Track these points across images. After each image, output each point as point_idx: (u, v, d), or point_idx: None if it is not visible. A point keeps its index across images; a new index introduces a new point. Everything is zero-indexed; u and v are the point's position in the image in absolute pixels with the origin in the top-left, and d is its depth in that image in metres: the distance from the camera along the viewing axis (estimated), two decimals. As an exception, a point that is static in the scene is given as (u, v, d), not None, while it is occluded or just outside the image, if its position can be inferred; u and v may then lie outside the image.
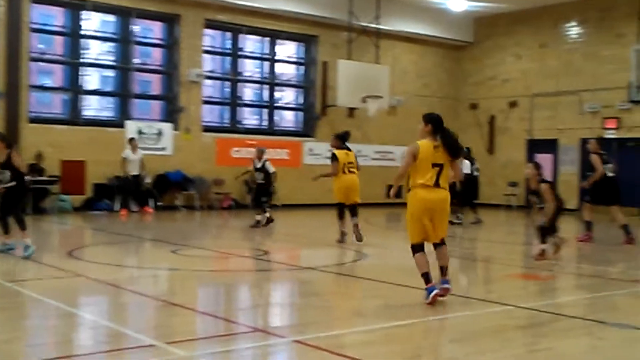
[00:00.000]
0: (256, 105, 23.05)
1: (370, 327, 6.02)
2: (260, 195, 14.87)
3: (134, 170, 17.34)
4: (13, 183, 9.60)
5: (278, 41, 22.07)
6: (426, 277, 6.86)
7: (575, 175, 21.47)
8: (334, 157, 12.46)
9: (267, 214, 14.72)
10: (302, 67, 22.66)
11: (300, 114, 22.80)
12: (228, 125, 21.38)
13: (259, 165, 14.83)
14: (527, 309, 6.84)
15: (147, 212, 17.64)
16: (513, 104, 23.57)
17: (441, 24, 23.84)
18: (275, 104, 22.42)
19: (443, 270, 7.06)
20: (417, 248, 7.02)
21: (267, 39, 21.97)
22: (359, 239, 12.02)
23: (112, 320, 6.25)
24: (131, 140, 17.69)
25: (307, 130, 22.32)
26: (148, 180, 18.38)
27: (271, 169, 14.80)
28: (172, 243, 11.77)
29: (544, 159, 22.51)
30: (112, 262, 9.54)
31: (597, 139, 13.68)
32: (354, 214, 12.39)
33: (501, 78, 24.11)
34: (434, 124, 7.07)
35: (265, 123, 22.29)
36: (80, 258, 9.63)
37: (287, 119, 23.50)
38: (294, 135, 22.09)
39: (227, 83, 21.82)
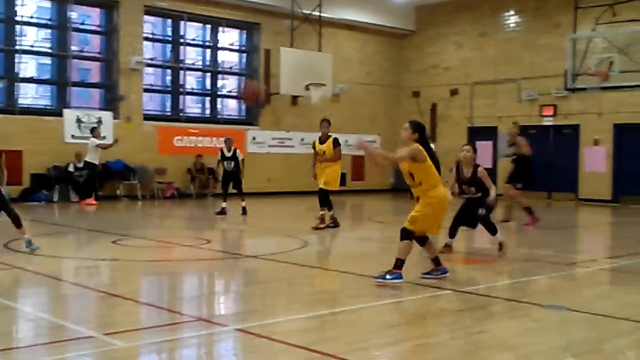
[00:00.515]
0: (199, 94, 22.84)
1: (313, 313, 6.07)
2: (229, 182, 15.34)
3: (96, 160, 17.35)
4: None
5: (220, 28, 21.88)
6: (402, 263, 7.17)
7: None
8: (337, 142, 12.60)
9: (243, 204, 15.30)
10: (245, 55, 22.53)
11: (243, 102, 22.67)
12: (170, 113, 21.13)
13: (229, 154, 15.25)
14: (466, 292, 6.99)
15: (90, 203, 17.30)
16: (454, 92, 23.92)
17: (384, 13, 24.00)
18: (218, 92, 22.25)
19: (438, 260, 7.56)
20: (412, 236, 7.27)
21: (209, 26, 21.75)
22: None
23: (50, 313, 6.14)
24: (94, 129, 17.62)
25: (250, 118, 22.23)
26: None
27: (241, 156, 15.41)
28: (113, 233, 11.61)
29: (485, 146, 22.98)
30: (51, 254, 9.35)
31: (517, 124, 14.40)
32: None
33: (442, 66, 24.43)
34: (421, 133, 7.29)
35: (208, 111, 22.11)
36: (17, 250, 9.41)
37: (230, 107, 23.35)
38: (237, 124, 21.98)
39: (169, 71, 21.56)
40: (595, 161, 20.70)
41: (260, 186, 21.49)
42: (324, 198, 12.55)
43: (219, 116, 21.93)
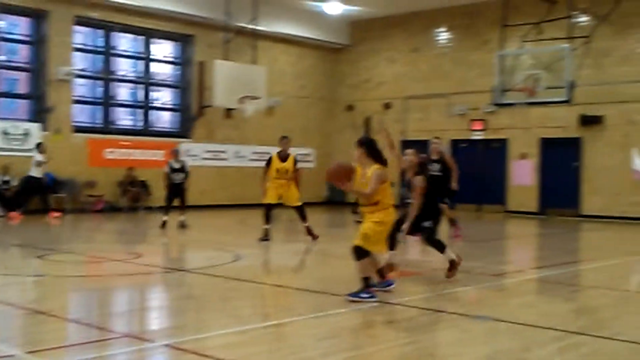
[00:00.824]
0: (130, 105, 22.48)
1: (242, 328, 6.03)
2: (175, 195, 15.19)
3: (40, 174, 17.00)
4: None
5: (153, 40, 21.63)
6: (369, 280, 7.16)
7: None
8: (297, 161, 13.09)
9: (183, 218, 14.97)
10: (179, 67, 22.33)
11: (177, 114, 22.45)
12: (101, 125, 20.73)
13: (177, 165, 15.14)
14: (396, 304, 7.08)
15: (15, 217, 16.77)
16: (387, 106, 24.25)
17: (318, 27, 24.18)
18: (151, 104, 21.96)
19: (384, 271, 7.71)
20: (368, 253, 7.19)
21: (142, 37, 21.48)
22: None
23: (-30, 331, 5.93)
24: (39, 145, 17.16)
25: (183, 131, 22.01)
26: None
27: (188, 167, 15.40)
28: (39, 248, 11.29)
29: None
30: (-27, 270, 9.03)
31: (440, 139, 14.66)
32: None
33: (376, 81, 24.75)
34: (368, 145, 7.29)
35: (140, 123, 21.79)
36: (-63, 266, 9.06)
37: (164, 119, 23.07)
38: (170, 136, 21.71)
39: (100, 82, 21.17)
40: (523, 174, 21.29)
41: (193, 199, 21.20)
42: (302, 213, 12.82)
43: (151, 128, 21.63)
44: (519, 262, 11.73)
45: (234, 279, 8.80)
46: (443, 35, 23.20)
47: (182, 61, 22.18)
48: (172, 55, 22.36)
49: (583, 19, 20.05)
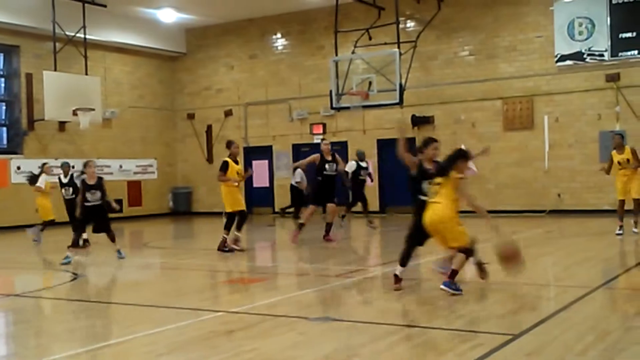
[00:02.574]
0: (-49, 122, 20.94)
1: (80, 350, 5.82)
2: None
3: None
4: None
5: (-27, 51, 20.31)
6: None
7: (289, 179, 22.56)
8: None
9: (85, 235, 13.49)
10: (3, 80, 21.06)
11: (4, 129, 21.15)
12: None
13: (65, 180, 13.98)
14: (237, 313, 7.10)
15: None
16: (228, 113, 24.23)
17: (153, 35, 23.71)
18: (-25, 120, 20.59)
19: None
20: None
21: (-40, 49, 20.09)
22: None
23: None
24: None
25: (13, 146, 20.79)
26: None
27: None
28: None
29: (261, 165, 23.54)
30: None
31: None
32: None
33: (215, 88, 24.65)
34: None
35: (-37, 140, 20.36)
36: None
37: (-9, 134, 21.69)
38: (-1, 153, 20.47)
39: None
40: (363, 175, 21.97)
41: (27, 218, 20.14)
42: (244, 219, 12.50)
43: (-24, 145, 20.30)
44: (361, 261, 12.10)
45: (68, 300, 8.45)
46: (279, 42, 23.54)
47: (6, 73, 20.95)
48: (-5, 67, 21.07)
49: (410, 24, 21.09)
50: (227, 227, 12.38)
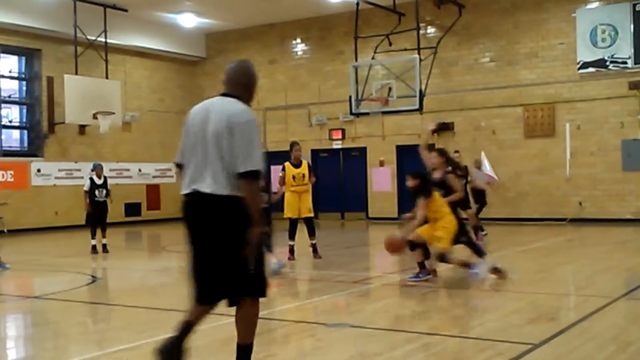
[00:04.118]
0: (-26, 124, 21.12)
1: (93, 353, 5.83)
2: (99, 214, 13.90)
3: None
4: None
5: (-4, 55, 20.48)
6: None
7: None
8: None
9: (105, 241, 13.90)
10: (25, 83, 21.24)
11: (26, 132, 21.32)
12: (-59, 146, 19.37)
13: (100, 182, 13.99)
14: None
15: None
16: (247, 118, 24.23)
17: (173, 39, 23.83)
18: (-3, 123, 20.74)
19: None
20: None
21: (-16, 52, 20.27)
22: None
23: None
24: None
25: (34, 149, 20.96)
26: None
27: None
28: None
29: (279, 170, 23.51)
30: None
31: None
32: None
33: (235, 93, 24.66)
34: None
35: (-15, 143, 20.52)
36: None
37: (13, 138, 21.83)
38: (19, 155, 20.62)
39: (-62, 100, 19.77)
40: (382, 181, 21.95)
41: (48, 221, 20.33)
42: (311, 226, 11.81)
43: (-2, 148, 20.46)
44: (378, 268, 12.04)
45: (87, 302, 8.47)
46: (299, 47, 23.55)
47: (28, 76, 21.13)
48: (17, 70, 21.23)
49: (430, 30, 21.02)
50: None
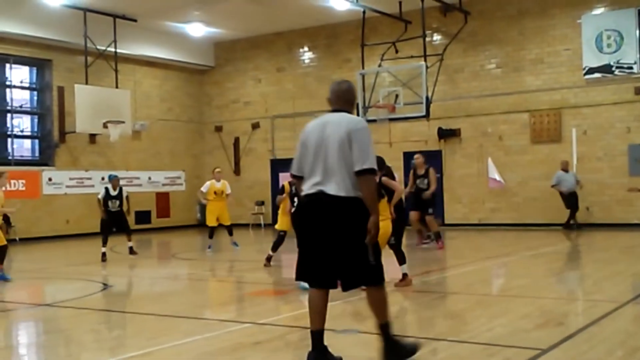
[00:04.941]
0: (-14, 134, 21.33)
1: (111, 359, 5.94)
2: (113, 224, 14.59)
3: None
4: None
5: (8, 65, 20.69)
6: None
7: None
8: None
9: (130, 244, 14.67)
10: (36, 93, 21.46)
11: (37, 142, 21.53)
12: (-47, 156, 19.58)
13: (114, 192, 14.54)
14: (264, 324, 7.17)
15: None
16: (255, 126, 24.42)
17: (182, 49, 24.02)
18: (8, 132, 20.94)
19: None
20: None
21: (-5, 62, 20.51)
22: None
23: None
24: None
25: (45, 158, 21.17)
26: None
27: (126, 193, 14.80)
28: None
29: (287, 178, 23.62)
30: None
31: None
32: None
33: (243, 101, 24.87)
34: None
35: (-3, 153, 20.73)
36: None
37: (24, 147, 22.04)
38: (31, 165, 20.83)
39: (-50, 111, 19.99)
40: (389, 187, 21.97)
41: (59, 229, 20.51)
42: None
43: (10, 157, 20.64)
44: (386, 274, 12.06)
45: (99, 310, 8.58)
46: (306, 55, 23.69)
47: (39, 86, 21.36)
48: (28, 80, 21.46)
49: (436, 37, 21.13)
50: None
